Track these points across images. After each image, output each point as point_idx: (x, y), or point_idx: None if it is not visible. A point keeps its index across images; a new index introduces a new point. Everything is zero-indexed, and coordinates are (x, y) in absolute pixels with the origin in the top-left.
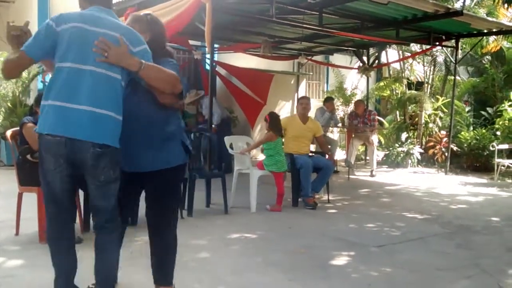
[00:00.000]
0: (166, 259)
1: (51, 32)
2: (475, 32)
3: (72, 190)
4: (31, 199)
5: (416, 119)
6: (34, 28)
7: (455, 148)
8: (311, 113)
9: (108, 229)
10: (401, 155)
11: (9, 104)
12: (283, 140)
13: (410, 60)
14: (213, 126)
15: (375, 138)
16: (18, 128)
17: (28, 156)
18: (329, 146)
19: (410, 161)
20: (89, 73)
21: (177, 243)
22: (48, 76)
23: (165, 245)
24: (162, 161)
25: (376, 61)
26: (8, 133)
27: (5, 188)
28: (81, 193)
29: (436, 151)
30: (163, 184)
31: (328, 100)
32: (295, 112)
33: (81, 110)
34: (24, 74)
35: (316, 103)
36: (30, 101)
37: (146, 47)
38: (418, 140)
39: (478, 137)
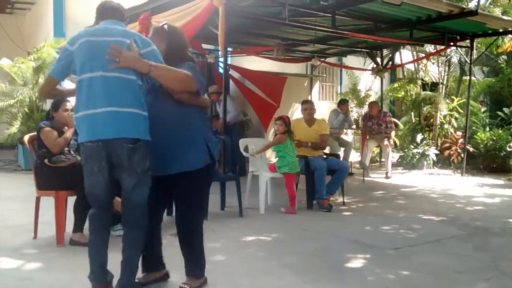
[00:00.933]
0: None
1: (68, 53)
2: (490, 31)
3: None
4: (48, 203)
5: (431, 120)
6: (50, 35)
7: (471, 149)
8: (326, 115)
9: (139, 224)
10: (417, 156)
11: (26, 109)
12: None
13: (424, 60)
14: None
15: (390, 139)
16: (35, 133)
17: (46, 161)
18: (343, 148)
19: (425, 162)
20: (103, 78)
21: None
22: (64, 82)
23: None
24: (184, 163)
25: (390, 62)
26: (26, 138)
27: (23, 192)
28: None
29: (452, 152)
30: (185, 187)
31: (343, 103)
32: None
33: (104, 112)
34: (41, 79)
35: (329, 105)
36: (47, 106)
37: (153, 47)
38: (433, 141)
39: (494, 138)
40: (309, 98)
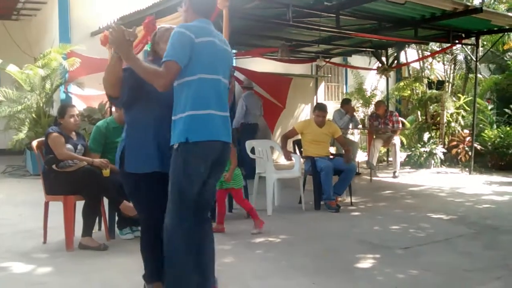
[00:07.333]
0: None
1: (191, 43)
2: (495, 28)
3: None
4: (57, 208)
5: (438, 118)
6: (56, 41)
7: (478, 147)
8: (331, 116)
9: (210, 220)
10: (424, 155)
11: (33, 115)
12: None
13: (430, 59)
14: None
15: (397, 139)
16: (43, 138)
17: (53, 166)
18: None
19: (433, 161)
20: (220, 82)
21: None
22: (70, 87)
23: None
24: None
25: (395, 61)
26: (34, 143)
27: (31, 197)
28: (105, 200)
29: (459, 150)
30: None
31: (346, 103)
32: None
33: (222, 115)
34: (47, 85)
35: (335, 106)
36: (54, 111)
37: None
38: (440, 139)
39: (502, 135)
40: (315, 99)
